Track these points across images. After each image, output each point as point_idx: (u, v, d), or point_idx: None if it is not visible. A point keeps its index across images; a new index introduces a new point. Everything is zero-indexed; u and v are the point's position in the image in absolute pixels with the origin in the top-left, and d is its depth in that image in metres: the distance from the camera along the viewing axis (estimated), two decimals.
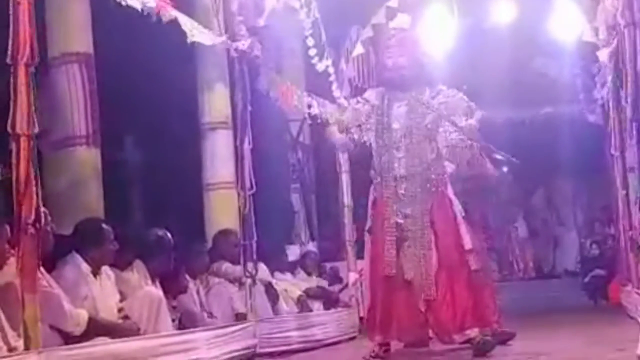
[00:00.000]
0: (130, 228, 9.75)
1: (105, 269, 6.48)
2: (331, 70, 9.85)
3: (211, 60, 9.66)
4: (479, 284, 7.13)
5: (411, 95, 7.01)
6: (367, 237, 7.24)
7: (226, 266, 8.42)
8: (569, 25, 9.82)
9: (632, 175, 8.59)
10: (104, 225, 6.55)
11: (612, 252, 14.04)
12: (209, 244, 8.87)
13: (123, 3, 6.02)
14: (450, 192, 7.09)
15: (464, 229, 7.03)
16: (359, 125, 7.16)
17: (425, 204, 6.91)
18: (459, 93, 7.15)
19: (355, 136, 7.23)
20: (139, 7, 6.16)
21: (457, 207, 7.10)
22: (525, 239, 18.74)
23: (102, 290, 6.32)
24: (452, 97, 7.10)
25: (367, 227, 7.23)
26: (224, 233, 8.76)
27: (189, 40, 7.00)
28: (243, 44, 7.72)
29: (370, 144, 7.16)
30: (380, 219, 6.98)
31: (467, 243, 6.97)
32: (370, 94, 7.25)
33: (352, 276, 10.26)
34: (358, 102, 7.29)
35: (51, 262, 5.90)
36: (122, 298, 6.56)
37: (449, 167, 7.24)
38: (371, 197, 7.18)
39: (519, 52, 11.99)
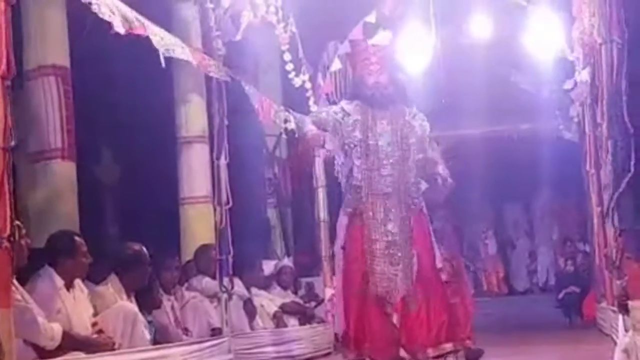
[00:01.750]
0: (106, 241, 9.72)
1: (79, 282, 6.43)
2: (308, 85, 9.84)
3: (188, 73, 9.65)
4: (451, 299, 7.20)
5: (393, 114, 7.02)
6: (339, 254, 7.12)
7: (206, 281, 8.40)
8: (546, 42, 9.84)
9: (607, 192, 8.61)
10: (76, 238, 6.50)
11: (586, 269, 14.07)
12: (185, 258, 8.83)
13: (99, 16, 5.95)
14: (425, 209, 7.11)
15: (435, 246, 7.09)
16: (344, 142, 7.02)
17: (408, 222, 6.90)
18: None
19: (330, 146, 7.19)
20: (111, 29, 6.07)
21: (429, 224, 7.15)
22: (495, 254, 18.82)
23: (75, 304, 6.27)
24: (424, 120, 7.16)
25: (341, 244, 7.10)
26: (204, 248, 8.73)
27: (162, 56, 6.91)
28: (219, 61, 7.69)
29: (344, 159, 7.07)
30: (360, 236, 6.91)
31: (439, 260, 7.05)
32: (348, 107, 7.12)
33: (328, 292, 10.24)
34: (336, 112, 7.13)
35: (24, 275, 5.85)
36: (96, 312, 6.51)
37: (423, 185, 7.23)
38: (345, 214, 7.05)
39: (496, 68, 12.03)
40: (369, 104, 7.02)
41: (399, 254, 6.84)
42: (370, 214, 6.87)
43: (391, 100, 7.03)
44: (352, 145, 6.95)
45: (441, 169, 7.27)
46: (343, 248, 7.05)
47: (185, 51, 7.32)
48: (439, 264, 7.01)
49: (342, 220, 7.05)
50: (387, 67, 7.12)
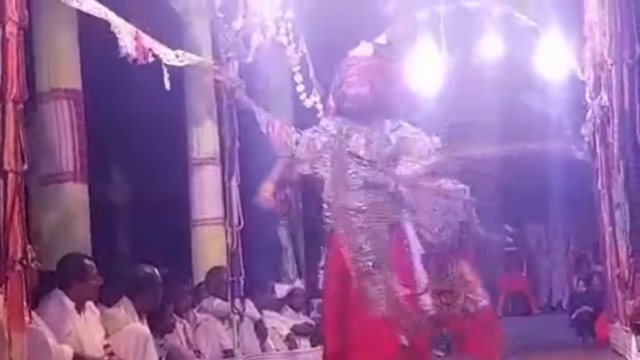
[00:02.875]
0: (118, 264, 9.72)
1: (90, 305, 6.44)
2: (319, 106, 9.85)
3: (199, 95, 9.68)
4: None
5: (372, 127, 6.60)
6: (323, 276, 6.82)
7: (217, 303, 8.40)
8: (556, 62, 9.86)
9: (619, 212, 8.60)
10: (86, 261, 6.53)
11: (599, 289, 14.02)
12: (197, 280, 8.83)
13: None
14: (410, 229, 6.81)
15: (420, 269, 6.82)
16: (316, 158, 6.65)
17: (383, 239, 6.49)
18: (422, 133, 6.77)
19: (307, 169, 6.72)
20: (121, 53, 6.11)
21: (416, 246, 6.88)
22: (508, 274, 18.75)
23: (86, 326, 6.29)
24: (412, 134, 6.71)
25: (322, 264, 6.78)
26: (216, 270, 8.73)
27: (166, 78, 6.90)
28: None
29: (321, 176, 6.70)
30: (333, 255, 6.53)
31: (421, 284, 6.73)
32: (328, 124, 6.72)
33: None
34: (315, 131, 6.73)
35: (35, 298, 5.87)
36: (108, 335, 6.52)
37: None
38: (325, 233, 6.68)
39: (506, 88, 12.04)
40: (349, 117, 6.64)
41: (377, 274, 6.42)
42: (342, 231, 6.48)
43: (371, 112, 6.63)
44: (326, 161, 6.59)
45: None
46: (323, 269, 6.77)
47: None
48: (419, 289, 6.68)
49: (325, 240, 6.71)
50: (369, 79, 6.66)
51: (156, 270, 7.36)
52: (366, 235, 6.43)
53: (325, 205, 6.60)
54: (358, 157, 6.52)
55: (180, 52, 7.16)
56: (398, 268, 6.47)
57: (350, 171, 6.49)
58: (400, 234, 6.59)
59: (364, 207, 6.43)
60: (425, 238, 7.83)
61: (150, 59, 6.64)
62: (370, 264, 6.41)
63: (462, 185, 7.92)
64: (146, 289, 7.22)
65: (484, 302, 7.92)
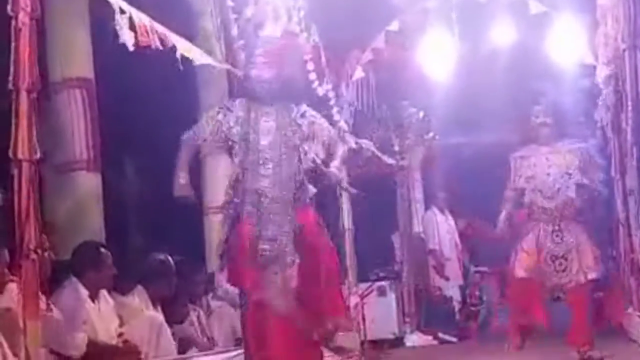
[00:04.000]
0: (131, 252, 9.74)
1: (104, 293, 6.48)
2: (331, 94, 9.85)
3: (212, 84, 9.69)
4: None
5: (279, 111, 6.41)
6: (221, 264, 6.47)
7: (231, 290, 8.40)
8: (569, 47, 9.82)
9: (632, 198, 8.59)
10: (102, 249, 6.56)
11: (612, 275, 14.00)
12: (211, 268, 8.86)
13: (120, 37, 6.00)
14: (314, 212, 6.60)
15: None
16: (225, 140, 6.39)
17: (289, 227, 6.24)
18: (325, 121, 6.65)
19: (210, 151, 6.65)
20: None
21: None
22: None
23: (100, 315, 6.32)
24: (318, 120, 6.58)
25: (220, 253, 6.39)
26: None
27: (194, 64, 6.89)
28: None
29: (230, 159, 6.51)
30: (239, 241, 6.22)
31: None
32: (231, 104, 6.49)
33: (353, 300, 10.24)
34: (218, 112, 6.46)
35: (49, 286, 5.89)
36: (122, 323, 6.55)
37: (310, 189, 6.47)
38: (228, 219, 6.37)
39: (518, 75, 12.01)
40: (252, 100, 6.42)
41: (273, 260, 6.13)
42: (245, 214, 6.20)
43: (276, 96, 6.40)
44: (233, 143, 6.36)
45: (334, 163, 6.51)
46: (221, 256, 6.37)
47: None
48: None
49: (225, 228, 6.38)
50: (275, 61, 6.41)
51: (169, 258, 7.38)
52: (272, 223, 6.17)
53: (230, 190, 6.32)
54: (267, 142, 6.31)
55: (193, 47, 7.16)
56: (312, 253, 6.21)
57: (260, 156, 6.27)
58: (310, 218, 6.38)
59: (272, 194, 6.20)
60: (538, 203, 7.97)
61: (162, 47, 6.63)
62: (269, 252, 6.13)
63: (581, 144, 7.95)
64: (159, 277, 7.25)
65: (593, 274, 8.01)
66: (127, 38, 6.03)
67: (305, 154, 6.42)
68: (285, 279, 6.11)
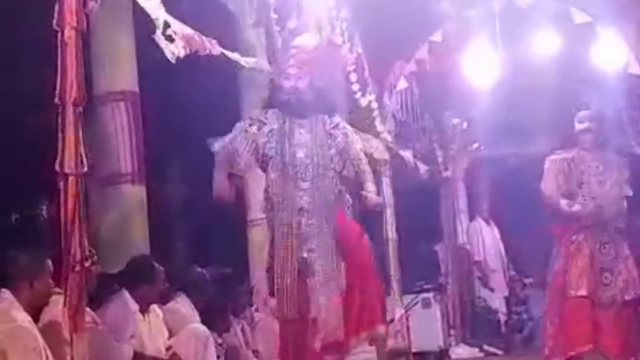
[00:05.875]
0: (175, 265, 9.78)
1: (154, 307, 6.48)
2: (374, 105, 9.83)
3: (255, 94, 9.70)
4: None
5: (313, 123, 6.29)
6: (265, 278, 6.39)
7: (274, 302, 8.40)
8: (613, 57, 9.75)
9: None
10: (155, 264, 6.57)
11: None
12: (254, 280, 8.86)
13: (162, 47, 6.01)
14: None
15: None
16: (260, 155, 6.23)
17: (331, 238, 6.13)
18: (357, 134, 6.53)
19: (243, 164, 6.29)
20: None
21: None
22: None
23: (150, 329, 6.33)
24: (350, 132, 6.46)
25: (265, 267, 6.34)
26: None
27: (245, 66, 6.86)
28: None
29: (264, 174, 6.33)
30: (278, 255, 6.11)
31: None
32: (263, 116, 6.33)
33: (398, 311, 10.20)
34: (251, 124, 6.30)
35: (95, 300, 5.91)
36: (171, 334, 6.56)
37: (348, 199, 6.43)
38: (268, 233, 6.29)
39: (562, 85, 11.94)
40: (287, 112, 6.28)
41: (318, 272, 6.04)
42: (286, 230, 6.08)
43: (310, 107, 6.30)
44: (268, 157, 6.20)
45: (369, 186, 6.43)
46: (267, 271, 6.28)
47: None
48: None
49: (265, 241, 6.35)
50: (308, 72, 6.31)
51: (205, 272, 7.40)
52: (310, 234, 6.07)
53: (268, 204, 6.22)
54: (304, 155, 6.17)
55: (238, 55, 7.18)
56: (354, 266, 6.14)
57: (297, 170, 6.14)
58: (351, 228, 6.31)
59: (308, 207, 6.09)
60: (590, 211, 7.68)
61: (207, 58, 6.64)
62: (316, 261, 6.04)
63: (625, 158, 7.78)
64: (198, 290, 7.27)
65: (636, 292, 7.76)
66: (172, 49, 6.03)
67: (343, 166, 6.32)
68: (330, 291, 6.02)
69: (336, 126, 6.35)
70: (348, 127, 6.47)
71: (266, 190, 6.23)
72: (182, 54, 6.13)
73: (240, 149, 6.21)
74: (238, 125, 6.38)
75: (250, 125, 6.28)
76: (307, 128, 6.25)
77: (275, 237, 6.13)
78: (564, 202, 7.67)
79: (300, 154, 6.19)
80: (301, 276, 6.05)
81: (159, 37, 5.93)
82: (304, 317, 6.05)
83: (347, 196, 6.38)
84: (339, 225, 6.18)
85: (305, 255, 6.04)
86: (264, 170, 6.25)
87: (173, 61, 6.09)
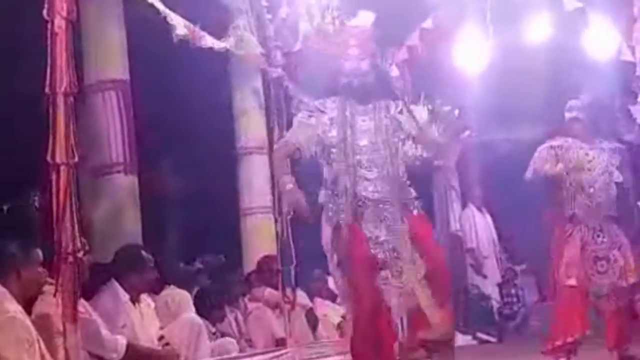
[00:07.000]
0: (168, 255, 9.76)
1: (145, 297, 6.47)
2: None
3: (247, 85, 9.68)
4: None
5: (376, 108, 5.93)
6: (337, 274, 5.95)
7: (268, 291, 8.40)
8: (605, 43, 9.74)
9: None
10: (143, 253, 6.55)
11: None
12: (248, 270, 8.85)
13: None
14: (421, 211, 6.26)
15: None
16: (322, 146, 5.88)
17: (401, 229, 5.84)
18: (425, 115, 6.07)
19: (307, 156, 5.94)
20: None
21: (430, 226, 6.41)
22: None
23: (142, 319, 6.31)
24: (420, 119, 6.02)
25: (335, 262, 5.88)
26: (266, 259, 8.73)
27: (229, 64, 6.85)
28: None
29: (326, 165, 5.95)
30: (351, 249, 5.77)
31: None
32: (322, 104, 5.94)
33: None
34: (310, 115, 5.94)
35: (88, 290, 5.90)
36: (163, 325, 6.55)
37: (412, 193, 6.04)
38: (328, 226, 5.88)
39: (554, 72, 11.93)
40: (348, 96, 5.89)
41: (395, 264, 5.79)
42: (349, 220, 5.76)
43: (372, 91, 5.92)
44: (330, 147, 5.86)
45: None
46: (338, 265, 5.87)
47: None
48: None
49: (327, 235, 5.89)
50: (369, 52, 5.93)
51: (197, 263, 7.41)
52: (383, 225, 5.80)
53: (331, 195, 5.86)
54: (368, 143, 5.84)
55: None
56: (427, 254, 5.83)
57: (361, 159, 5.82)
58: (422, 218, 6.04)
59: (378, 197, 5.81)
60: (580, 199, 7.66)
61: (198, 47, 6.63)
62: (387, 254, 5.78)
63: (616, 144, 7.74)
64: (189, 280, 7.29)
65: (634, 278, 7.74)
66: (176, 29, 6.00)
67: (407, 153, 5.95)
68: (406, 280, 5.78)
69: (401, 110, 5.96)
70: (411, 110, 6.00)
71: (328, 181, 5.89)
72: (183, 32, 6.12)
73: (300, 141, 5.91)
74: (296, 119, 6.08)
75: (310, 117, 5.94)
76: (370, 114, 5.91)
77: (341, 229, 5.79)
78: (547, 166, 7.66)
79: (364, 142, 5.87)
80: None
81: (165, 13, 5.90)
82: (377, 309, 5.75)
83: (411, 189, 5.99)
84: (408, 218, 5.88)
85: (378, 250, 5.79)
86: (326, 160, 5.90)
87: (175, 40, 6.04)
